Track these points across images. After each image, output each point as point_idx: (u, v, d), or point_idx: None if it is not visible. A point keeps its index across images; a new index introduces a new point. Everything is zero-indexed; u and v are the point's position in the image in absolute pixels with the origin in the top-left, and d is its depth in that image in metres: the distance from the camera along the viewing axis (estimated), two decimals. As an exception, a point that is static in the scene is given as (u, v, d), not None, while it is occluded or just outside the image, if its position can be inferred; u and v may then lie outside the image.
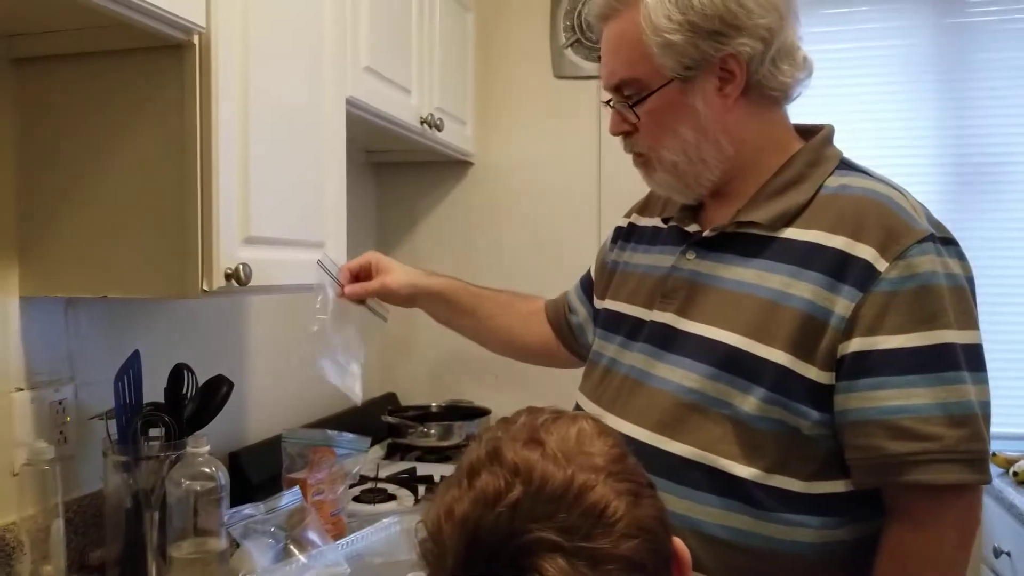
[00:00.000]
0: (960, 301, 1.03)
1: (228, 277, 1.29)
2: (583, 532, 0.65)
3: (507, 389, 2.53)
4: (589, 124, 2.58)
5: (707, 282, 1.13)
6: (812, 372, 1.02)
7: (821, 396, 1.03)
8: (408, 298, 1.51)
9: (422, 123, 2.09)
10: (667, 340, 1.14)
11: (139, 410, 1.41)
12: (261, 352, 2.00)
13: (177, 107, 1.26)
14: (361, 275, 1.50)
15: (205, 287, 1.27)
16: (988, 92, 2.48)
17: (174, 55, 1.25)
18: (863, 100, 2.48)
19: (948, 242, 1.06)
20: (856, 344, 1.01)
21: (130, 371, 1.40)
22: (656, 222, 1.31)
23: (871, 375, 1.00)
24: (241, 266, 1.30)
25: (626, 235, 1.38)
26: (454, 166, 2.65)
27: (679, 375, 1.09)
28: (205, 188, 1.26)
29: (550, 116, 2.62)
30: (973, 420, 1.00)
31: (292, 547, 1.45)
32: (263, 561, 1.40)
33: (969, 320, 1.03)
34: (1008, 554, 2.12)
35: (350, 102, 1.70)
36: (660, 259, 1.23)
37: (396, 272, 1.49)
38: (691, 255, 1.17)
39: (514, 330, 1.57)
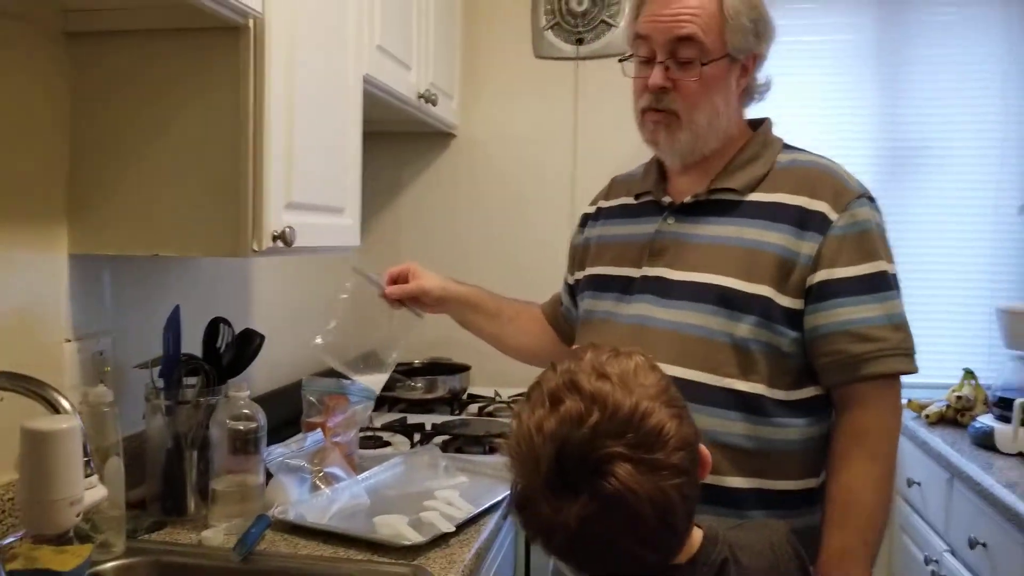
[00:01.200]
0: (885, 242, 1.35)
1: (275, 238, 1.42)
2: (646, 447, 0.85)
3: (483, 348, 2.71)
4: (566, 103, 2.76)
5: (691, 240, 1.37)
6: (787, 301, 1.30)
7: (795, 319, 1.31)
8: (439, 300, 1.66)
9: (419, 98, 2.23)
10: (665, 289, 1.37)
11: (179, 359, 1.55)
12: (265, 309, 2.14)
13: (231, 83, 1.38)
14: (399, 279, 1.66)
15: (255, 247, 1.40)
16: (920, 83, 2.75)
17: (230, 36, 1.37)
18: (810, 88, 2.71)
19: (872, 199, 1.37)
20: (821, 275, 1.30)
21: (174, 323, 1.54)
22: (625, 200, 1.53)
23: (834, 297, 1.29)
24: (287, 229, 1.44)
25: (595, 216, 1.60)
26: (438, 137, 2.79)
27: (682, 315, 1.33)
28: (257, 157, 1.39)
29: (530, 94, 2.79)
30: (905, 325, 1.32)
31: (318, 482, 1.61)
32: (295, 493, 1.56)
33: (891, 255, 1.35)
34: (919, 484, 2.42)
35: (366, 80, 1.83)
36: (639, 228, 1.46)
37: (431, 278, 1.66)
38: (671, 220, 1.41)
39: (530, 334, 1.73)
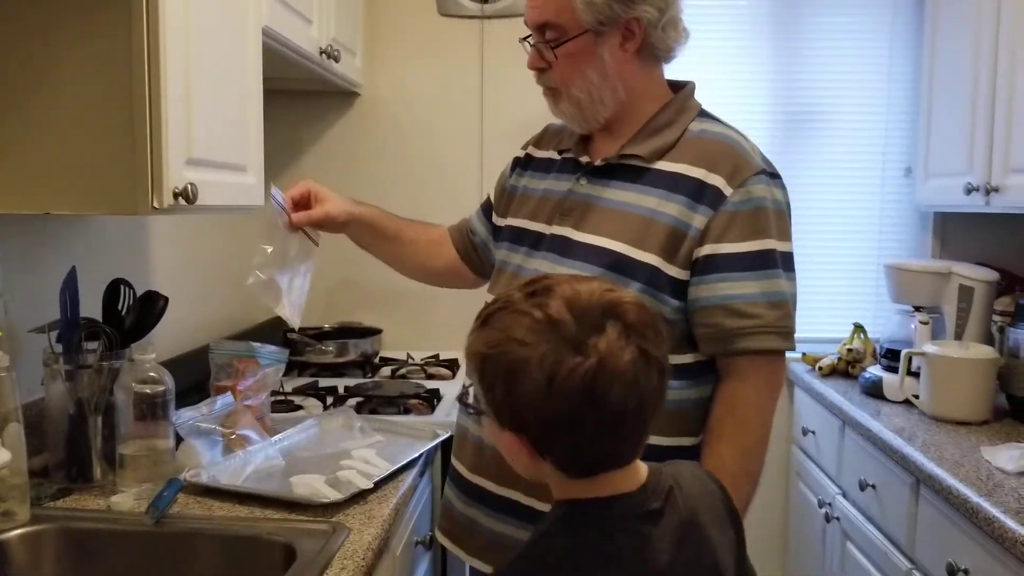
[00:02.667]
0: (780, 220, 1.36)
1: (176, 196, 1.37)
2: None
3: (392, 311, 2.71)
4: (472, 62, 2.74)
5: (597, 203, 1.40)
6: (674, 271, 1.34)
7: (679, 289, 1.35)
8: (343, 224, 1.64)
9: (321, 53, 2.18)
10: (566, 248, 1.40)
11: (78, 323, 1.49)
12: (168, 271, 2.07)
13: (124, 31, 1.30)
14: (301, 203, 1.61)
15: (156, 204, 1.33)
16: (813, 49, 2.85)
17: (121, -22, 1.31)
18: (707, 53, 2.76)
19: (774, 176, 1.39)
20: (707, 249, 1.33)
21: (71, 285, 1.47)
22: (551, 154, 1.55)
23: (716, 271, 1.33)
24: (189, 185, 1.38)
25: (524, 164, 1.61)
26: (341, 96, 2.74)
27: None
28: (154, 110, 1.32)
29: (434, 52, 2.75)
30: (785, 304, 1.35)
31: (231, 444, 1.59)
32: (207, 456, 1.53)
33: (785, 234, 1.38)
34: (813, 432, 2.55)
35: (265, 32, 1.78)
36: (556, 184, 1.48)
37: (335, 200, 1.62)
38: (584, 181, 1.44)
39: (428, 254, 1.74)
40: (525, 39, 1.45)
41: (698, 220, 1.32)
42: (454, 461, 1.51)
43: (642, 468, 0.99)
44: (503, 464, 1.35)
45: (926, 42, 2.67)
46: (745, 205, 1.33)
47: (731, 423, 1.34)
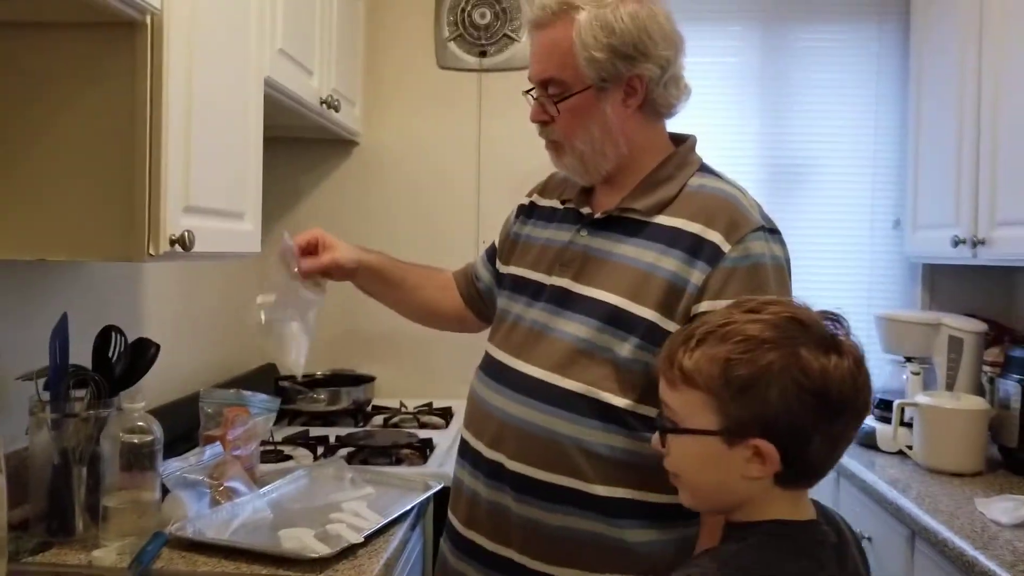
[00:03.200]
0: (779, 275, 1.34)
1: (173, 243, 1.37)
2: None
3: (386, 358, 2.69)
4: (470, 114, 2.77)
5: (596, 255, 1.40)
6: (671, 326, 1.30)
7: None
8: (351, 272, 1.61)
9: (321, 103, 2.20)
10: (564, 300, 1.39)
11: (67, 370, 1.47)
12: (160, 317, 2.06)
13: (127, 81, 1.33)
14: (308, 250, 1.58)
15: (152, 251, 1.34)
16: (801, 104, 2.90)
17: (126, 31, 1.32)
18: (700, 107, 2.79)
19: (773, 232, 1.38)
20: (704, 306, 1.29)
21: (61, 332, 1.46)
22: (554, 203, 1.55)
23: None
24: (186, 232, 1.38)
25: (528, 212, 1.61)
26: (340, 145, 2.76)
27: (573, 327, 1.35)
28: (154, 158, 1.34)
29: (433, 104, 2.79)
30: None
31: (218, 496, 1.56)
32: (194, 508, 1.50)
33: (785, 289, 1.35)
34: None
35: (267, 83, 1.80)
36: (558, 234, 1.48)
37: (343, 248, 1.60)
38: (584, 232, 1.43)
39: (435, 300, 1.71)
40: (528, 92, 1.46)
41: (696, 276, 1.30)
42: (450, 514, 1.48)
43: (809, 498, 1.02)
44: (497, 519, 1.35)
45: (911, 96, 2.72)
46: (743, 261, 1.30)
47: None
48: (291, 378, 2.43)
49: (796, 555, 0.94)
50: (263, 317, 1.50)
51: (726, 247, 1.31)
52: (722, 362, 0.94)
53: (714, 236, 1.32)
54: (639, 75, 1.37)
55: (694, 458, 1.01)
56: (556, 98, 1.39)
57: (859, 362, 0.95)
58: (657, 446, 1.05)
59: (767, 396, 0.92)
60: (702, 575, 0.93)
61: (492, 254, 1.67)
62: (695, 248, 1.32)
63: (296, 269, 1.53)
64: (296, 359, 1.54)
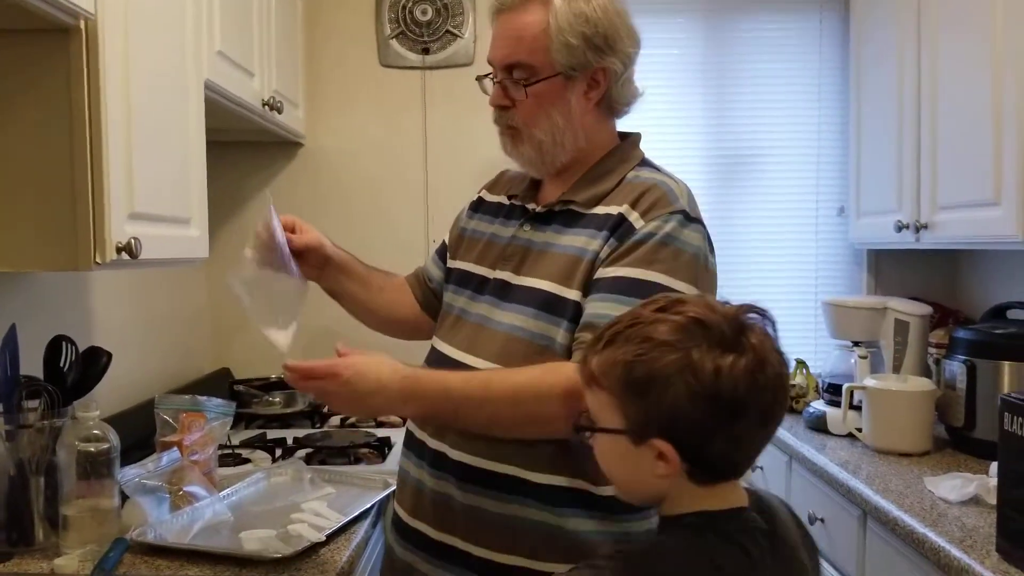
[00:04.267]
0: (683, 259, 1.31)
1: (119, 250, 1.36)
2: None
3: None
4: (414, 112, 2.77)
5: (536, 247, 1.41)
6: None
7: None
8: (324, 259, 1.57)
9: (264, 105, 2.19)
10: (504, 292, 1.41)
11: (18, 381, 1.45)
12: (110, 325, 2.04)
13: (63, 88, 1.31)
14: (287, 231, 1.54)
15: (98, 260, 1.33)
16: (744, 94, 2.95)
17: (60, 38, 1.30)
18: (645, 100, 2.83)
19: (694, 220, 1.36)
20: (601, 272, 1.31)
21: (10, 343, 1.44)
22: (501, 199, 1.56)
23: (596, 291, 1.30)
24: (132, 240, 1.38)
25: (475, 207, 1.61)
26: (284, 147, 2.75)
27: (511, 318, 1.37)
28: (95, 165, 1.33)
29: (377, 102, 2.79)
30: None
31: (178, 501, 1.55)
32: (155, 514, 1.49)
33: (687, 274, 1.30)
34: (761, 468, 2.57)
35: (207, 85, 1.79)
36: (503, 229, 1.49)
37: (318, 233, 1.58)
38: (527, 227, 1.45)
39: (395, 303, 1.68)
40: (486, 76, 1.45)
41: (604, 250, 1.32)
42: (395, 505, 1.49)
43: (739, 486, 1.02)
44: (442, 508, 1.35)
45: (852, 84, 2.79)
46: (649, 237, 1.31)
47: (539, 373, 1.27)
48: (247, 381, 2.43)
49: (719, 543, 0.96)
50: (245, 274, 1.42)
51: (639, 224, 1.32)
52: (622, 364, 0.96)
53: (632, 215, 1.34)
54: (604, 68, 1.38)
55: (609, 455, 1.03)
56: (524, 82, 1.38)
57: (762, 361, 0.94)
58: (585, 441, 1.07)
59: (662, 398, 0.93)
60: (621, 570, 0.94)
61: (443, 252, 1.67)
62: (616, 226, 1.34)
63: (277, 236, 1.47)
64: (279, 332, 1.43)
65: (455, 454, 1.34)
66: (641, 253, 1.30)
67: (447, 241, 1.67)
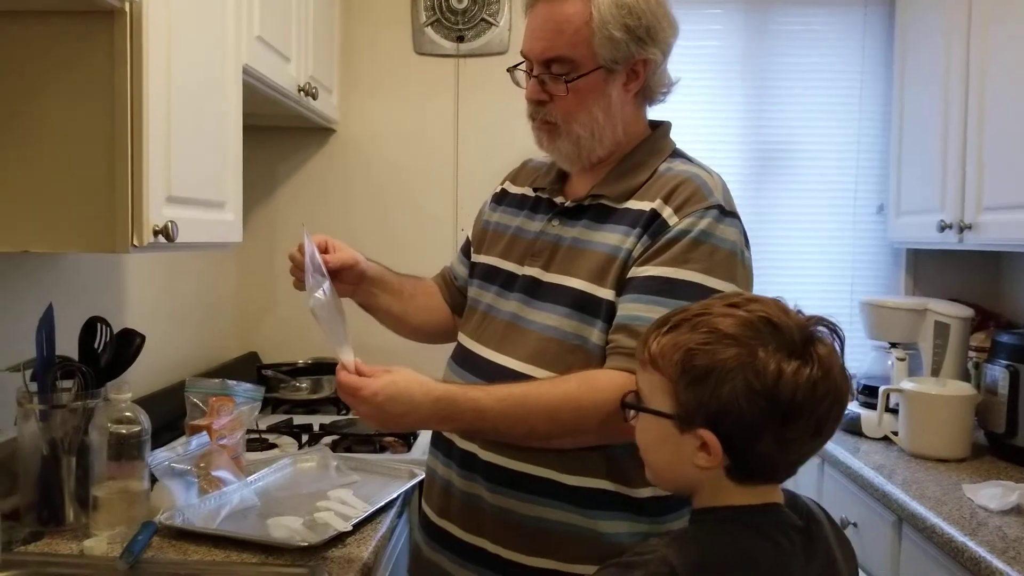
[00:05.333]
0: (720, 256, 1.27)
1: (156, 233, 1.36)
2: None
3: (368, 345, 2.66)
4: (447, 100, 2.76)
5: (566, 243, 1.37)
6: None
7: None
8: (359, 276, 1.51)
9: (299, 91, 2.18)
10: (535, 290, 1.37)
11: (53, 361, 1.46)
12: (144, 308, 2.05)
13: (107, 71, 1.31)
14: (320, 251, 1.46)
15: (135, 242, 1.33)
16: (785, 87, 2.89)
17: (105, 20, 1.30)
18: (683, 92, 2.78)
19: (730, 215, 1.32)
20: (634, 271, 1.28)
21: (47, 324, 1.45)
22: (526, 191, 1.52)
23: (632, 292, 1.26)
24: (169, 223, 1.38)
25: (498, 199, 1.58)
26: (317, 132, 2.74)
27: (543, 317, 1.34)
28: (135, 148, 1.33)
29: (411, 90, 2.77)
30: None
31: (206, 485, 1.55)
32: (183, 498, 1.50)
33: (724, 272, 1.27)
34: (801, 479, 2.54)
35: (245, 70, 1.78)
36: (529, 223, 1.46)
37: (350, 250, 1.50)
38: (555, 222, 1.41)
39: (428, 309, 1.63)
40: (516, 67, 1.40)
41: (638, 248, 1.29)
42: (423, 504, 1.47)
43: (776, 487, 1.02)
44: (470, 509, 1.34)
45: (896, 80, 2.73)
46: (683, 235, 1.27)
47: (580, 385, 1.23)
48: (275, 366, 2.44)
49: (751, 535, 0.96)
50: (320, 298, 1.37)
51: (673, 220, 1.28)
52: (683, 350, 0.96)
53: (666, 211, 1.29)
54: (645, 60, 1.34)
55: (652, 437, 1.03)
56: (565, 77, 1.33)
57: (826, 373, 0.94)
58: (629, 420, 1.07)
59: (718, 390, 0.93)
60: (661, 559, 0.93)
61: (468, 249, 1.63)
62: (649, 222, 1.30)
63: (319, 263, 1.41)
64: (347, 349, 1.35)
65: (485, 455, 1.32)
66: (675, 251, 1.26)
67: (470, 236, 1.63)
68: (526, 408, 1.22)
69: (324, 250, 1.49)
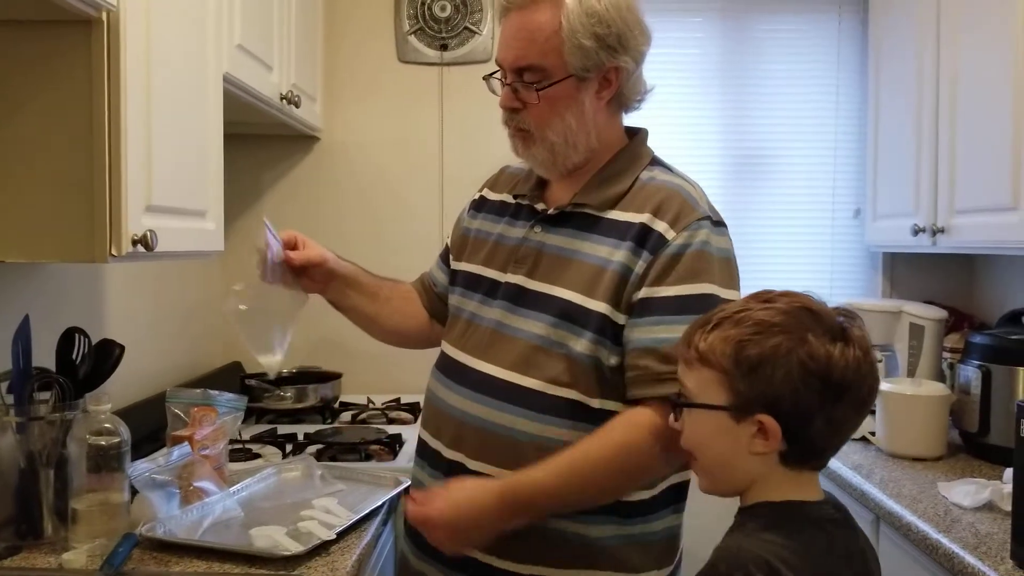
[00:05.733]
0: (723, 266, 1.32)
1: (135, 243, 1.36)
2: None
3: (352, 354, 2.67)
4: (431, 108, 2.77)
5: (550, 251, 1.38)
6: (620, 318, 1.31)
7: (622, 336, 1.31)
8: (329, 273, 1.54)
9: (282, 99, 2.18)
10: (519, 297, 1.38)
11: (30, 373, 1.45)
12: (123, 318, 2.03)
13: (85, 79, 1.31)
14: (287, 246, 1.52)
15: (114, 252, 1.33)
16: (762, 94, 2.92)
17: (82, 29, 1.30)
18: (661, 98, 2.79)
19: (719, 224, 1.36)
20: (643, 292, 1.29)
21: (23, 335, 1.44)
22: (505, 197, 1.53)
23: (651, 314, 1.28)
24: (149, 232, 1.37)
25: (477, 206, 1.59)
26: (301, 141, 2.74)
27: (529, 325, 1.35)
28: (113, 157, 1.32)
29: (394, 98, 2.78)
30: None
31: (188, 496, 1.55)
32: (164, 509, 1.49)
33: (729, 281, 1.32)
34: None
35: (226, 79, 1.78)
36: (510, 230, 1.46)
37: (320, 248, 1.54)
38: (538, 229, 1.42)
39: (403, 313, 1.65)
40: (492, 75, 1.42)
41: (640, 265, 1.30)
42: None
43: (818, 481, 1.08)
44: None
45: (871, 86, 2.76)
46: (685, 249, 1.29)
47: (617, 432, 1.26)
48: (259, 375, 2.42)
49: (805, 526, 1.01)
50: (239, 306, 1.46)
51: (670, 235, 1.30)
52: (734, 343, 1.02)
53: (660, 225, 1.31)
54: (617, 67, 1.35)
55: (705, 433, 1.07)
56: (537, 85, 1.34)
57: (867, 352, 1.01)
58: (673, 424, 1.11)
59: (774, 376, 0.99)
60: (755, 559, 0.95)
61: (446, 255, 1.64)
62: (642, 238, 1.31)
63: (276, 253, 1.48)
64: (271, 356, 1.51)
65: (474, 464, 1.32)
66: (684, 268, 1.28)
67: (449, 243, 1.64)
68: (587, 470, 1.25)
69: (292, 246, 1.52)
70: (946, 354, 2.40)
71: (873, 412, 2.23)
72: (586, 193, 1.39)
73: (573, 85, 1.34)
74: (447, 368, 1.44)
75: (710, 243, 1.31)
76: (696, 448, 1.09)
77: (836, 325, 1.02)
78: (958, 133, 2.18)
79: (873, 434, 2.22)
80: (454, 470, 1.34)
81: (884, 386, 2.19)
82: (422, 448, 1.44)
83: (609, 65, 1.34)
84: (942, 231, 2.25)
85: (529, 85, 1.35)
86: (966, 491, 1.76)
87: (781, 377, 0.99)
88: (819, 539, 1.01)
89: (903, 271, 2.87)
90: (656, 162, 1.44)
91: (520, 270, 1.39)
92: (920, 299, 2.63)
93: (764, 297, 1.07)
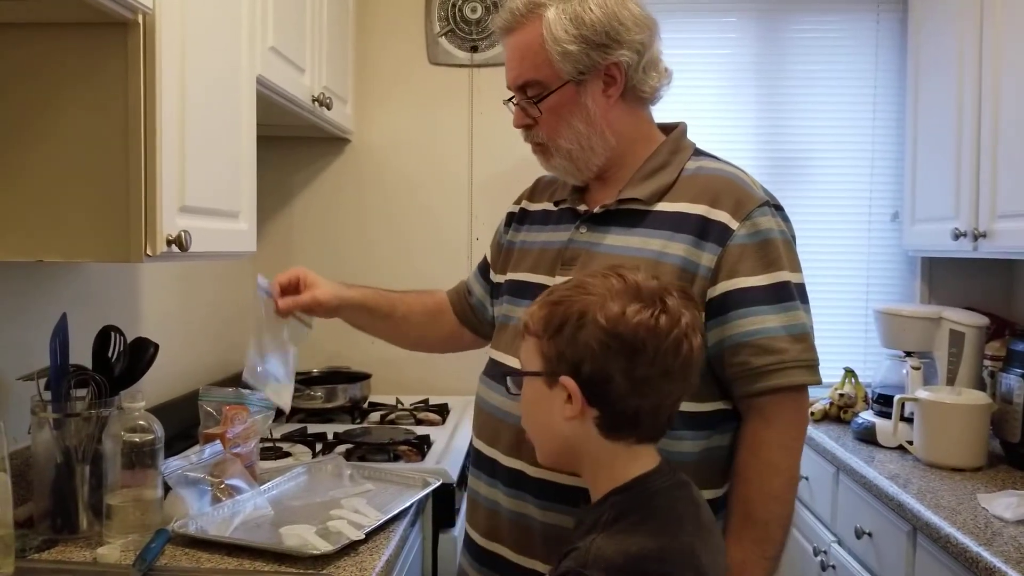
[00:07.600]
0: (789, 250, 1.34)
1: (170, 243, 1.37)
2: None
3: (382, 354, 2.67)
4: (462, 109, 2.77)
5: (599, 249, 1.37)
6: None
7: None
8: (333, 309, 1.63)
9: (313, 101, 2.19)
10: None
11: (67, 370, 1.47)
12: (158, 317, 2.06)
13: (120, 81, 1.32)
14: (289, 289, 1.61)
15: (149, 252, 1.34)
16: (798, 96, 2.90)
17: (118, 31, 1.32)
18: (694, 100, 2.79)
19: (778, 208, 1.38)
20: (721, 287, 1.29)
21: (61, 332, 1.46)
22: (546, 206, 1.53)
23: (735, 308, 1.28)
24: (182, 233, 1.39)
25: (519, 219, 1.58)
26: (332, 142, 2.76)
27: None
28: (149, 158, 1.34)
29: (425, 100, 2.79)
30: (806, 337, 1.31)
31: (219, 494, 1.56)
32: (196, 506, 1.50)
33: (796, 265, 1.35)
34: (807, 478, 2.53)
35: (259, 81, 1.80)
36: (555, 235, 1.46)
37: (323, 286, 1.62)
38: (584, 229, 1.41)
39: (426, 326, 1.71)
40: (509, 100, 1.46)
41: (706, 258, 1.28)
42: (467, 527, 1.46)
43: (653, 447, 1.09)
44: (520, 529, 1.32)
45: (909, 87, 2.72)
46: (754, 238, 1.29)
47: (756, 467, 1.28)
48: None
49: (652, 501, 1.03)
50: (256, 368, 1.59)
51: (734, 224, 1.29)
52: (548, 306, 1.06)
53: (721, 215, 1.30)
54: (616, 63, 1.35)
55: (527, 401, 1.11)
56: (535, 99, 1.37)
57: (671, 318, 1.02)
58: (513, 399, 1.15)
59: (576, 337, 1.02)
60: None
61: (485, 268, 1.66)
62: (702, 230, 1.30)
63: (274, 308, 1.59)
64: (284, 399, 1.65)
65: (534, 471, 1.30)
66: (759, 255, 1.29)
67: (488, 257, 1.66)
68: (768, 525, 1.29)
69: (296, 287, 1.61)
70: (987, 362, 2.35)
71: (910, 420, 2.19)
72: (632, 188, 1.38)
73: (572, 90, 1.36)
74: (497, 375, 1.42)
75: (774, 229, 1.32)
76: (524, 418, 1.12)
77: (645, 291, 1.03)
78: (1000, 136, 2.14)
79: (911, 443, 2.18)
80: (514, 479, 1.33)
81: (922, 394, 2.15)
82: (477, 459, 1.43)
83: (606, 62, 1.35)
84: (983, 236, 2.21)
85: (532, 100, 1.38)
86: (1008, 503, 1.72)
87: (582, 339, 1.01)
88: (666, 511, 1.03)
89: (942, 276, 2.82)
90: (700, 152, 1.43)
91: (569, 271, 1.38)
92: (958, 305, 2.58)
93: (601, 272, 1.08)
